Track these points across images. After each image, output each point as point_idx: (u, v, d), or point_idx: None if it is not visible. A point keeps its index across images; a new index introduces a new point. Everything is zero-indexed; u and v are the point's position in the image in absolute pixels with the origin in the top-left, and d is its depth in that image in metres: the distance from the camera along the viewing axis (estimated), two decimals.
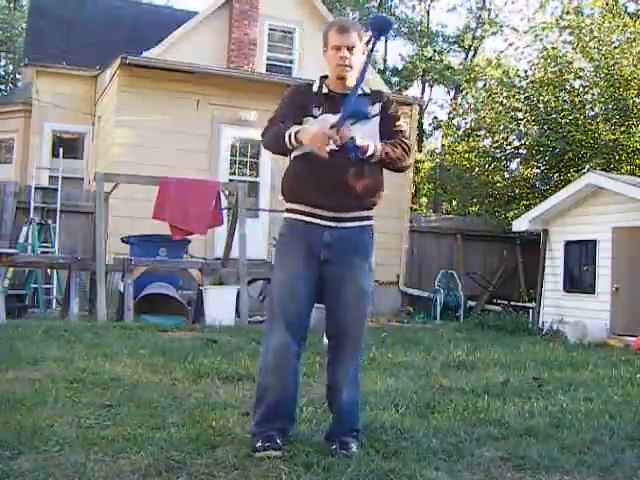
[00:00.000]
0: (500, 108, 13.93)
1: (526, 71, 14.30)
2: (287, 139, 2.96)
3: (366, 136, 2.97)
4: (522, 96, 13.69)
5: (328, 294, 3.07)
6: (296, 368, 3.08)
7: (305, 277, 3.02)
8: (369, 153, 2.95)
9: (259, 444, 2.91)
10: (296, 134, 2.94)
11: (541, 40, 14.64)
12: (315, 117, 3.04)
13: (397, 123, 3.15)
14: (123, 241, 9.25)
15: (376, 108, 3.09)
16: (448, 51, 26.76)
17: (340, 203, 3.01)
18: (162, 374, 4.63)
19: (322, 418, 3.48)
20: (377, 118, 3.09)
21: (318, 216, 3.02)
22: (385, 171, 3.17)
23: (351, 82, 3.05)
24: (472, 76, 19.58)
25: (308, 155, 2.97)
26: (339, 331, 3.09)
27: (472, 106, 15.95)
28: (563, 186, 11.00)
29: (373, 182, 3.07)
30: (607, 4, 13.94)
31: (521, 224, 10.85)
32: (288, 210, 3.12)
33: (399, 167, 3.13)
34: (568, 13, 14.27)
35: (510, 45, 24.31)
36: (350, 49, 3.01)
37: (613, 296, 9.22)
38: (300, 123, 3.02)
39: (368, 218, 3.10)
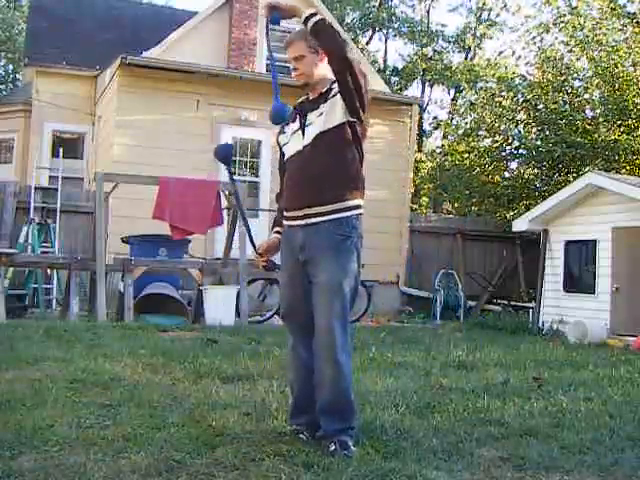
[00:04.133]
0: (500, 111, 13.91)
1: (523, 76, 14.28)
2: None
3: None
4: (521, 99, 13.68)
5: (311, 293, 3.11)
6: (307, 365, 3.13)
7: (294, 281, 3.18)
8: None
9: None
10: None
11: (541, 40, 14.62)
12: (284, 133, 3.27)
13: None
14: (123, 241, 9.25)
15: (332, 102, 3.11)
16: (448, 51, 26.74)
17: (304, 200, 3.09)
18: (162, 374, 4.64)
19: None
20: (338, 100, 3.09)
21: (292, 218, 3.16)
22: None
23: (317, 87, 3.20)
24: (472, 76, 19.54)
25: (286, 162, 3.27)
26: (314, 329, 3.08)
27: (469, 108, 15.94)
28: (563, 186, 10.98)
29: (338, 174, 3.08)
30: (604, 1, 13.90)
31: (521, 224, 10.83)
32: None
33: (339, 45, 3.01)
34: (565, 16, 14.22)
35: (509, 48, 24.29)
36: (297, 59, 3.23)
37: (613, 296, 9.21)
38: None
39: (339, 210, 3.05)
